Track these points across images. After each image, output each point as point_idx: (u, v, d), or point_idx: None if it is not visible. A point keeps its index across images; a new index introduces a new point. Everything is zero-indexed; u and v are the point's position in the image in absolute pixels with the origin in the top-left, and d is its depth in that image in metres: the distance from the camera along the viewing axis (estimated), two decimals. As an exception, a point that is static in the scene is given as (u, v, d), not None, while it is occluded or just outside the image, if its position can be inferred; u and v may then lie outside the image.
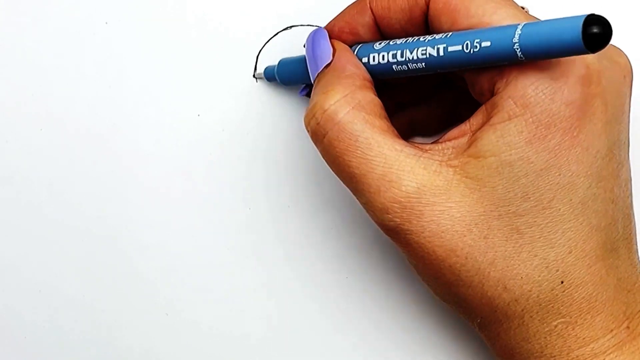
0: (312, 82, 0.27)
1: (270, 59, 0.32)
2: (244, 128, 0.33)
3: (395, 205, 0.24)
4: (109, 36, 0.33)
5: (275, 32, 0.32)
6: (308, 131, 0.26)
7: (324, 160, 0.33)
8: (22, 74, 0.33)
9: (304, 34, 0.32)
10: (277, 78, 0.31)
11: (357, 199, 0.26)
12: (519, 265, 0.24)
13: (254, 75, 0.32)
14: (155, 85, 0.33)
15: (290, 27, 0.32)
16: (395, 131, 0.26)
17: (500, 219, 0.24)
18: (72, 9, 0.33)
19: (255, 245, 0.33)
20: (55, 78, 0.33)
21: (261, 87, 0.33)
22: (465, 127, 0.25)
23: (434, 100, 0.31)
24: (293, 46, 0.32)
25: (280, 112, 0.33)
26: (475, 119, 0.25)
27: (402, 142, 0.25)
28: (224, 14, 0.33)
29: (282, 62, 0.31)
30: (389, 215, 0.24)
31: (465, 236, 0.24)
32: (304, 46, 0.29)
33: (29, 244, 0.33)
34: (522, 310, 0.25)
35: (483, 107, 0.25)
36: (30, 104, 0.33)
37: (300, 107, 0.33)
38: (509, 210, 0.24)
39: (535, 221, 0.24)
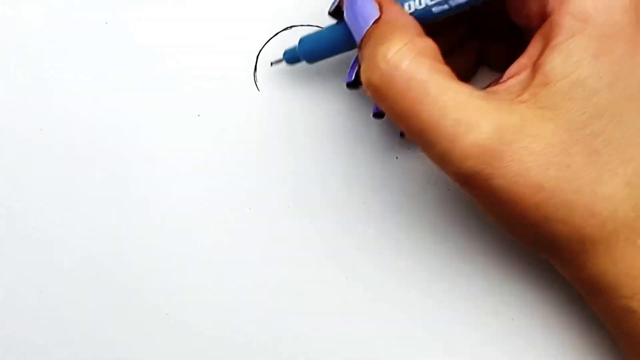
0: (358, 43, 0.26)
1: (271, 59, 0.32)
2: (244, 128, 0.33)
3: (476, 149, 0.23)
4: (109, 36, 0.33)
5: (275, 32, 0.32)
6: (369, 87, 0.25)
7: (328, 157, 0.33)
8: (22, 74, 0.33)
9: (304, 34, 0.32)
10: (301, 57, 0.30)
11: (429, 151, 0.24)
12: (602, 187, 0.24)
13: (271, 64, 0.31)
14: (155, 85, 0.33)
15: (290, 27, 0.32)
16: (456, 76, 0.25)
17: (579, 143, 0.23)
18: (72, 9, 0.33)
19: (255, 245, 0.33)
20: (55, 78, 0.33)
21: (261, 87, 0.33)
22: (524, 60, 0.25)
23: (462, 50, 0.30)
24: (293, 46, 0.32)
25: (281, 112, 0.33)
26: (533, 48, 0.24)
27: (468, 85, 0.24)
28: (223, 14, 0.33)
29: (304, 39, 0.29)
30: (469, 162, 0.23)
31: (549, 169, 0.23)
32: (330, 13, 0.28)
33: (28, 244, 0.33)
34: (609, 233, 0.24)
35: (538, 34, 0.24)
36: (30, 104, 0.33)
37: (300, 107, 0.33)
38: (586, 132, 0.23)
39: (610, 139, 0.23)
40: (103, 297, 0.33)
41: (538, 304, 0.32)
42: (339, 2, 0.27)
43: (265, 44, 0.32)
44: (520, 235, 0.26)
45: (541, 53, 0.24)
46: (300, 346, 0.33)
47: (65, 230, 0.33)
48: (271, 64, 0.32)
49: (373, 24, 0.25)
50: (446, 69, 0.24)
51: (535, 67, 0.24)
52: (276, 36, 0.32)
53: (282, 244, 0.33)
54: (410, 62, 0.24)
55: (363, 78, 0.25)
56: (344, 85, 0.29)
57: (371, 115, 0.29)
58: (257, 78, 0.33)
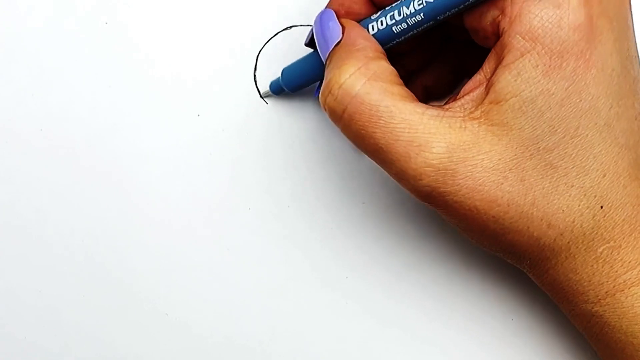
0: (324, 63, 0.27)
1: (271, 59, 0.32)
2: (244, 128, 0.33)
3: (428, 169, 0.24)
4: (109, 36, 0.33)
5: (275, 32, 0.32)
6: (325, 110, 0.26)
7: (328, 156, 0.33)
8: (22, 74, 0.33)
9: (304, 34, 0.32)
10: (284, 88, 0.31)
11: (387, 170, 0.25)
12: (558, 199, 0.24)
13: (261, 96, 0.32)
14: (155, 85, 0.33)
15: (290, 27, 0.32)
16: (414, 95, 0.25)
17: (533, 158, 0.24)
18: (72, 9, 0.33)
19: (255, 245, 0.33)
20: (55, 78, 0.33)
21: (261, 86, 0.33)
22: (479, 77, 0.25)
23: (440, 60, 0.31)
24: (293, 46, 0.32)
25: (281, 111, 0.33)
26: (488, 66, 0.25)
27: (422, 105, 0.25)
28: (224, 14, 0.33)
29: (285, 70, 0.31)
30: (423, 181, 0.24)
31: (502, 184, 0.24)
32: (305, 44, 0.29)
33: (29, 244, 0.33)
34: (568, 242, 0.25)
35: (493, 52, 0.25)
36: (30, 104, 0.33)
37: (300, 106, 0.33)
38: (539, 147, 0.24)
39: (566, 152, 0.24)
40: (103, 297, 0.33)
41: (538, 304, 0.32)
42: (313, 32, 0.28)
43: (265, 44, 0.32)
44: (483, 244, 0.27)
45: (494, 71, 0.24)
46: (299, 346, 0.33)
47: (65, 230, 0.33)
48: (261, 96, 0.32)
49: (335, 46, 0.26)
50: (401, 90, 0.25)
51: (488, 85, 0.24)
52: (276, 36, 0.32)
53: (282, 244, 0.33)
54: (362, 86, 0.24)
55: (320, 100, 0.26)
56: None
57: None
58: (257, 78, 0.33)
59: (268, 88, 0.32)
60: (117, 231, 0.33)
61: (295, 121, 0.33)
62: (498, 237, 0.25)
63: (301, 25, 0.32)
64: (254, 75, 0.33)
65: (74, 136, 0.33)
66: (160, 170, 0.33)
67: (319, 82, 0.30)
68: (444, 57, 0.31)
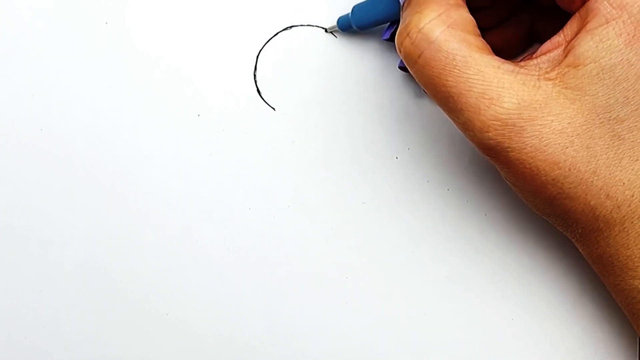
0: (401, 4, 0.27)
1: (271, 59, 0.32)
2: (244, 128, 0.33)
3: (496, 123, 0.24)
4: (109, 36, 0.33)
5: (275, 32, 0.32)
6: (400, 52, 0.26)
7: (328, 157, 0.33)
8: (22, 74, 0.33)
9: (304, 34, 0.32)
10: (352, 25, 0.31)
11: (454, 119, 0.25)
12: (621, 171, 0.24)
13: (325, 30, 0.32)
14: (155, 85, 0.33)
15: (290, 27, 0.32)
16: (490, 48, 0.25)
17: (602, 126, 0.24)
18: (72, 9, 0.33)
19: (255, 245, 0.33)
20: (55, 78, 0.33)
21: (261, 86, 0.33)
22: (558, 38, 0.25)
23: (513, 22, 0.31)
24: (293, 46, 0.32)
25: (280, 111, 0.33)
26: (569, 28, 0.25)
27: (498, 58, 0.25)
28: (224, 14, 0.33)
29: (356, 7, 0.31)
30: (489, 134, 0.24)
31: (567, 148, 0.24)
32: None
33: (28, 244, 0.33)
34: (624, 216, 0.25)
35: (576, 15, 0.25)
36: (30, 104, 0.33)
37: (299, 107, 0.33)
38: (610, 116, 0.24)
39: (635, 125, 0.24)
40: (103, 296, 0.33)
41: (538, 304, 0.32)
42: None
43: (265, 44, 0.32)
44: (539, 207, 0.27)
45: (575, 34, 0.24)
46: (300, 346, 0.33)
47: (65, 230, 0.33)
48: (326, 30, 0.32)
49: None
50: (478, 42, 0.25)
51: (568, 47, 0.24)
52: (276, 36, 0.32)
53: (282, 244, 0.33)
54: (440, 33, 0.24)
55: (397, 41, 0.26)
56: (378, 43, 0.31)
57: (397, 66, 0.31)
58: (257, 78, 0.33)
59: (335, 23, 0.32)
60: (117, 231, 0.33)
61: (294, 121, 0.33)
62: (554, 201, 0.25)
63: (301, 25, 0.32)
64: (254, 75, 0.33)
65: (74, 136, 0.33)
66: (160, 170, 0.33)
67: (388, 27, 0.30)
68: (518, 20, 0.30)
